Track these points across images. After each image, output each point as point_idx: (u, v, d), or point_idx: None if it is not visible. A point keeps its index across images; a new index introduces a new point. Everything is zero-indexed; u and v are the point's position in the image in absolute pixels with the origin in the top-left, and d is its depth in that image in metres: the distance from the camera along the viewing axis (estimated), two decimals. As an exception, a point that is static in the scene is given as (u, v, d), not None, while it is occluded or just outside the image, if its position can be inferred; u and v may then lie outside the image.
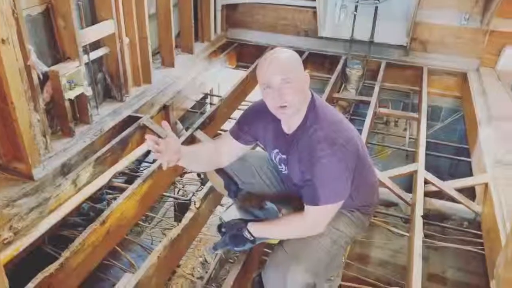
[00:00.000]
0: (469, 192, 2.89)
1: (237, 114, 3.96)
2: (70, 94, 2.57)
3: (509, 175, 2.48)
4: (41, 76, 2.36)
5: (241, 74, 4.12)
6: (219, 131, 3.76)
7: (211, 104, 4.49)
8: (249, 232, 1.66)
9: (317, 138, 1.45)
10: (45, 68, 2.39)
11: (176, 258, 2.22)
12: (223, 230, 1.76)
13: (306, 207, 1.53)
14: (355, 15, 4.10)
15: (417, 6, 3.89)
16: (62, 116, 2.62)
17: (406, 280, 2.19)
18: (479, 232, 2.61)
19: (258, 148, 1.90)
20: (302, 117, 1.52)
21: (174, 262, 2.20)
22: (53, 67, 2.48)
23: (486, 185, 2.55)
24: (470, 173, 3.10)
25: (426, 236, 2.66)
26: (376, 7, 4.00)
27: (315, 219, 1.54)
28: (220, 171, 1.78)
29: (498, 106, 3.28)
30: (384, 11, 4.04)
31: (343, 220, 1.65)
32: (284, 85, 1.42)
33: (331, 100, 3.86)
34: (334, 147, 1.43)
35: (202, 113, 3.86)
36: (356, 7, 4.06)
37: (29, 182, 2.28)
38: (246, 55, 4.68)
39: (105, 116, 2.95)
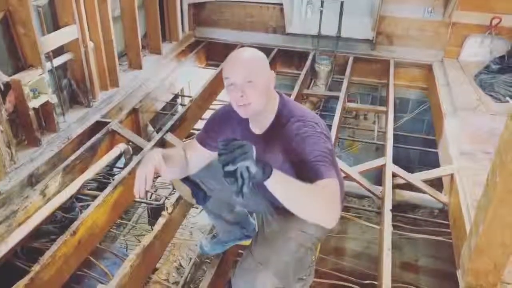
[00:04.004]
0: (439, 182, 2.95)
1: (208, 114, 3.95)
2: (34, 103, 2.52)
3: (473, 166, 2.53)
4: (1, 86, 2.30)
5: (211, 73, 4.11)
6: (191, 131, 3.74)
7: (181, 104, 4.45)
8: (269, 175, 1.28)
9: (298, 126, 1.46)
10: (6, 78, 2.32)
11: (150, 265, 2.21)
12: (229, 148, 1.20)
13: (317, 182, 1.31)
14: (321, 11, 4.13)
15: (382, 0, 3.96)
16: (27, 126, 2.56)
17: (378, 273, 2.25)
18: (447, 222, 2.68)
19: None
20: (274, 115, 1.51)
21: (148, 270, 2.19)
22: (15, 76, 2.41)
23: (452, 176, 2.62)
24: (439, 163, 3.17)
25: (398, 227, 2.73)
26: (342, 3, 4.04)
27: (331, 192, 1.31)
28: (186, 180, 1.73)
29: (462, 97, 3.36)
30: (349, 6, 4.09)
31: (309, 222, 1.64)
32: (247, 85, 1.41)
33: (301, 96, 3.89)
34: (315, 125, 1.46)
35: (172, 115, 3.83)
36: (322, 2, 4.09)
37: (-6, 196, 2.23)
38: (215, 53, 4.65)
39: (73, 123, 2.90)
